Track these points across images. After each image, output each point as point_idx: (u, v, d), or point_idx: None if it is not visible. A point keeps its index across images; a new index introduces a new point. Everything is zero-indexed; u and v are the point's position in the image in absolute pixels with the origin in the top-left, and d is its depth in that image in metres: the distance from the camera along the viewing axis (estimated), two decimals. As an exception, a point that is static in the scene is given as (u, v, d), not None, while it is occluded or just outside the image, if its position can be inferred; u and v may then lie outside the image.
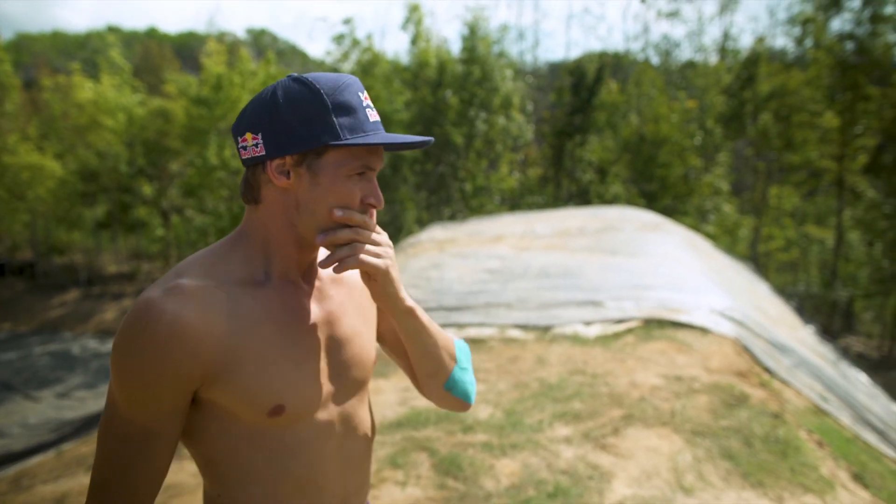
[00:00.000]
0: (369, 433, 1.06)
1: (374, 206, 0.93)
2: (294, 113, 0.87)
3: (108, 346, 17.11)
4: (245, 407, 0.88)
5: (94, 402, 8.42)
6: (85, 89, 22.98)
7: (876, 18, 19.46)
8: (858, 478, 3.44)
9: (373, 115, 0.92)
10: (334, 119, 0.87)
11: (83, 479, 3.80)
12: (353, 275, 1.07)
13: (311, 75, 0.90)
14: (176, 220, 25.43)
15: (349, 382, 1.01)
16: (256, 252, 0.93)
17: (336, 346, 0.99)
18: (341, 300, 1.02)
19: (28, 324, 20.23)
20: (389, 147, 0.90)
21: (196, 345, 0.83)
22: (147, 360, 0.81)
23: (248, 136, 0.90)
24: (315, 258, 1.00)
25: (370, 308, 1.09)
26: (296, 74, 0.91)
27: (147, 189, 24.73)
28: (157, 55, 38.93)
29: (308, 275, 0.99)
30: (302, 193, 0.90)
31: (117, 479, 0.85)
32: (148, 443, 0.85)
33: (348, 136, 0.88)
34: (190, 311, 0.82)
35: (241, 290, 0.89)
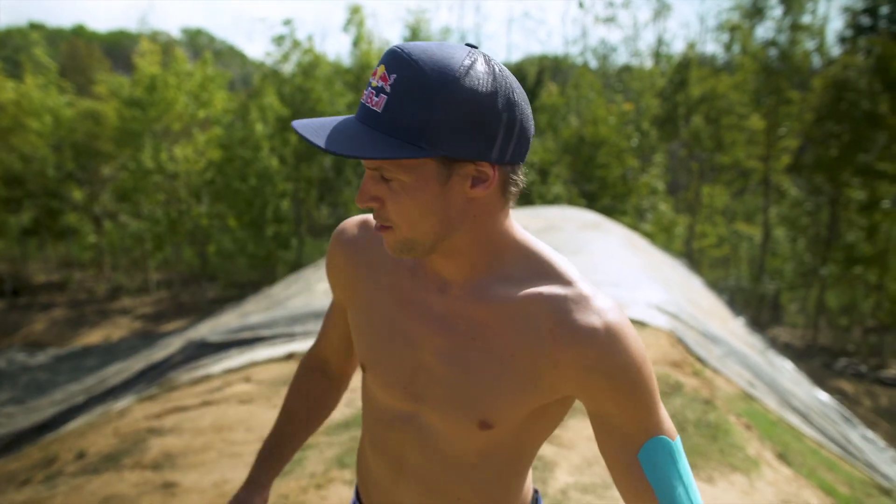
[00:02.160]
0: (448, 462, 0.95)
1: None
2: None
3: (38, 358, 16.28)
4: None
5: (23, 417, 7.99)
6: (6, 89, 21.74)
7: (795, 27, 20.64)
8: (782, 457, 3.68)
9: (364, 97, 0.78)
10: None
11: (14, 496, 3.65)
12: (521, 328, 0.85)
13: None
14: (109, 227, 24.37)
15: (425, 402, 0.93)
16: None
17: (432, 361, 0.92)
18: (469, 331, 0.88)
19: (-53, 338, 19.00)
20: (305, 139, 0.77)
21: None
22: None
23: None
24: (455, 275, 0.89)
25: (512, 362, 0.85)
26: None
27: (77, 194, 23.62)
28: (85, 54, 37.21)
29: (469, 286, 0.88)
30: None
31: None
32: None
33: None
34: None
35: None
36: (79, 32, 60.12)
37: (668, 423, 0.86)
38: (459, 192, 0.79)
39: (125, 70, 29.20)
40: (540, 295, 0.83)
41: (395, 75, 0.74)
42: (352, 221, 1.02)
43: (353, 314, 1.01)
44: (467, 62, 0.74)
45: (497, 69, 0.76)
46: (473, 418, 0.88)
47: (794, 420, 5.21)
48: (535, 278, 0.85)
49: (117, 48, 49.58)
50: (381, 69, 0.75)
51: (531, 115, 0.80)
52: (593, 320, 0.80)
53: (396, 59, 0.74)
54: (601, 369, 0.80)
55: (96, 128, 22.76)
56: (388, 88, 0.74)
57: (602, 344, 0.80)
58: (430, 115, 0.73)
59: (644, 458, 0.83)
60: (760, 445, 3.70)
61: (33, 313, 20.81)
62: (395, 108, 0.74)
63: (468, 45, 0.78)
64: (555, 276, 0.85)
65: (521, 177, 0.84)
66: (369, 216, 0.98)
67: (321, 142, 0.73)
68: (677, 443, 0.86)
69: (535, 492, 1.10)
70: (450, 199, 0.79)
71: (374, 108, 0.75)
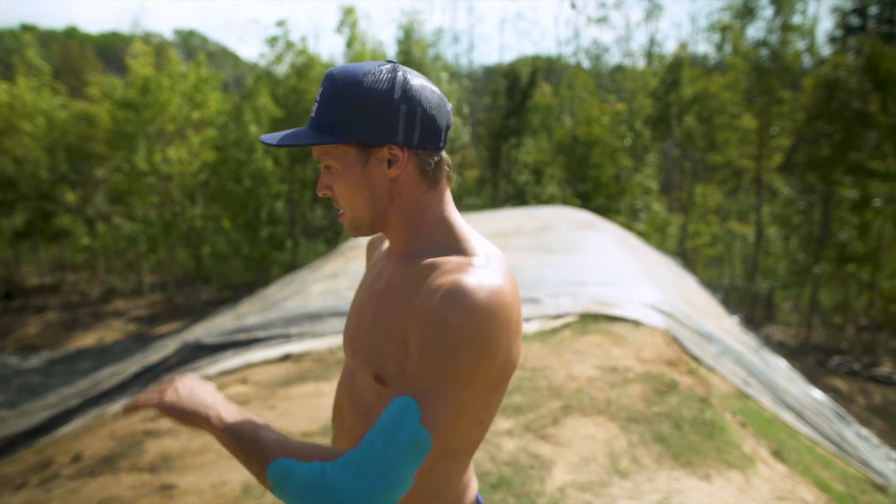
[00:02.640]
0: (368, 418, 1.00)
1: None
2: None
3: (31, 362, 16.19)
4: None
5: (16, 421, 7.94)
6: (-1, 91, 21.68)
7: (785, 27, 20.77)
8: (777, 454, 3.70)
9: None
10: None
11: (9, 500, 3.63)
12: (413, 289, 0.95)
13: None
14: (103, 229, 24.28)
15: (361, 360, 1.02)
16: None
17: (363, 324, 1.05)
18: (384, 293, 1.02)
19: (-61, 342, 18.85)
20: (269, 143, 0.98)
21: None
22: None
23: None
24: (395, 250, 1.04)
25: (398, 319, 0.96)
26: None
27: (70, 196, 23.51)
28: (78, 56, 37.03)
29: (401, 260, 1.02)
30: None
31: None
32: None
33: None
34: None
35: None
36: (71, 34, 59.77)
37: (439, 410, 0.84)
38: (379, 172, 0.96)
39: (118, 72, 29.09)
40: (434, 263, 0.94)
41: (322, 88, 0.96)
42: None
43: None
44: (373, 69, 0.94)
45: (400, 73, 0.94)
46: (371, 370, 0.98)
47: (789, 418, 5.24)
48: (445, 251, 0.97)
49: (110, 50, 49.38)
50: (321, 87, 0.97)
51: (442, 111, 0.97)
52: (448, 279, 0.88)
53: (326, 77, 0.97)
54: (426, 317, 0.87)
55: (89, 130, 22.65)
56: (318, 98, 0.97)
57: (440, 298, 0.86)
58: (339, 111, 0.93)
59: (394, 404, 0.85)
60: (756, 443, 3.73)
61: (26, 316, 20.69)
62: (321, 110, 0.96)
63: (389, 61, 0.97)
64: (460, 250, 0.96)
65: (438, 161, 0.99)
66: None
67: (268, 139, 0.96)
68: (425, 436, 0.84)
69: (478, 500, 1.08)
70: (373, 180, 0.96)
71: (313, 115, 0.97)
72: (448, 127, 0.99)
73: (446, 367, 0.85)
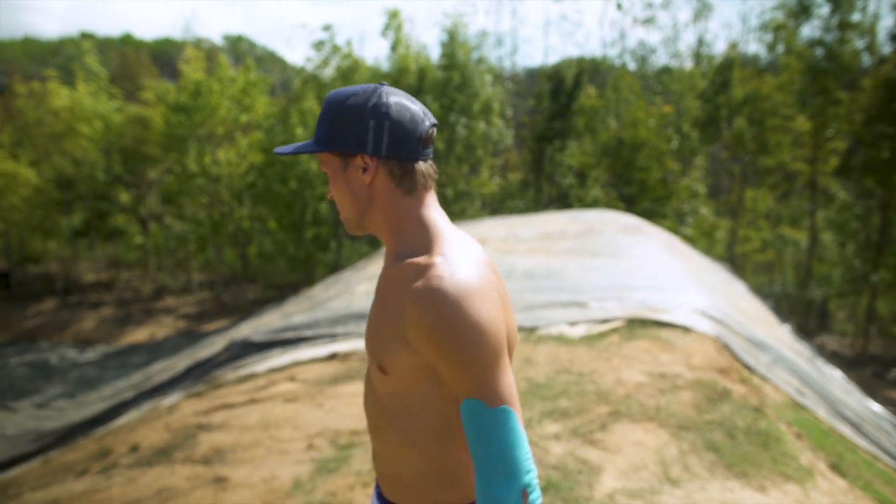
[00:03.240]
0: (378, 404, 1.17)
1: None
2: None
3: (87, 355, 16.85)
4: None
5: (74, 411, 8.28)
6: (60, 96, 22.62)
7: (843, 25, 19.99)
8: (836, 467, 3.57)
9: None
10: None
11: (73, 486, 3.79)
12: (398, 291, 1.06)
13: None
14: (155, 228, 25.12)
15: (369, 352, 1.15)
16: None
17: (371, 320, 1.16)
18: (382, 292, 1.14)
19: (3, 334, 19.80)
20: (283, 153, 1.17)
21: None
22: None
23: None
24: (387, 249, 1.17)
25: (392, 318, 1.08)
26: None
27: (125, 197, 24.41)
28: (133, 62, 38.41)
29: (391, 260, 1.14)
30: None
31: None
32: None
33: None
34: None
35: None
36: (126, 41, 62.07)
37: (491, 387, 0.97)
38: (356, 178, 1.11)
39: (171, 76, 30.05)
40: (412, 264, 1.05)
41: (322, 107, 1.13)
42: None
43: None
44: (358, 90, 1.10)
45: (377, 92, 1.09)
46: (375, 363, 1.11)
47: (846, 430, 5.04)
48: (420, 253, 1.07)
49: (163, 55, 51.05)
50: None
51: (414, 125, 1.08)
52: (420, 283, 0.99)
53: (325, 98, 1.13)
54: (421, 325, 0.99)
55: (144, 133, 23.47)
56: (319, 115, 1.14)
57: (421, 303, 0.98)
58: (326, 126, 1.10)
59: (463, 412, 0.99)
60: (813, 455, 3.60)
61: (83, 311, 21.55)
62: (317, 126, 1.13)
63: (380, 83, 1.12)
64: (431, 250, 1.06)
65: (411, 169, 1.10)
66: None
67: (279, 150, 1.14)
68: (499, 410, 0.96)
69: None
70: (353, 184, 1.11)
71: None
72: (422, 139, 1.09)
73: (470, 359, 0.97)
